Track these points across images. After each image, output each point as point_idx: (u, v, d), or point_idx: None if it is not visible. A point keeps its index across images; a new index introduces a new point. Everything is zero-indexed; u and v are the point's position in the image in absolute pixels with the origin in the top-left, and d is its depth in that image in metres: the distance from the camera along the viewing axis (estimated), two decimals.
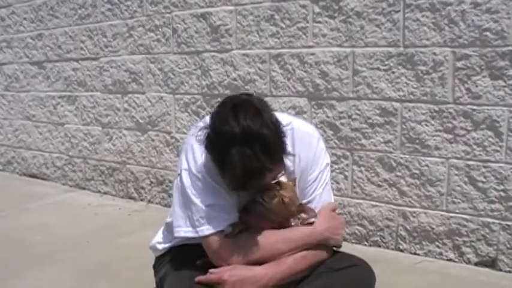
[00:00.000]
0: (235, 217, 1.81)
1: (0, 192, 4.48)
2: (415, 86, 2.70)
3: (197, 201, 1.78)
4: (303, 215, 1.81)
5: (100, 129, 4.27)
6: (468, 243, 2.64)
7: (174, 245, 1.98)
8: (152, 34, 3.78)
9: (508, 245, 2.54)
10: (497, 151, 2.52)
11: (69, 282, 2.57)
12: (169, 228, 1.97)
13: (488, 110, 2.52)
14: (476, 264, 2.63)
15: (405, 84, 2.73)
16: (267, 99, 1.98)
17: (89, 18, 4.20)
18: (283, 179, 1.84)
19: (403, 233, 2.83)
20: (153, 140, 3.90)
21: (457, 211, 2.66)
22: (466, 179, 2.62)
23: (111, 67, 4.09)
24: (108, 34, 4.07)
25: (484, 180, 2.57)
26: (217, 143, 1.61)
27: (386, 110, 2.80)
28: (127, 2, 3.90)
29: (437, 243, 2.73)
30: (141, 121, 3.96)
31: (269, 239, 1.78)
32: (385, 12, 2.74)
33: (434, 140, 2.68)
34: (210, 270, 1.75)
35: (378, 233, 2.92)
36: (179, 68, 3.65)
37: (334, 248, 1.94)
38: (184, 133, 3.64)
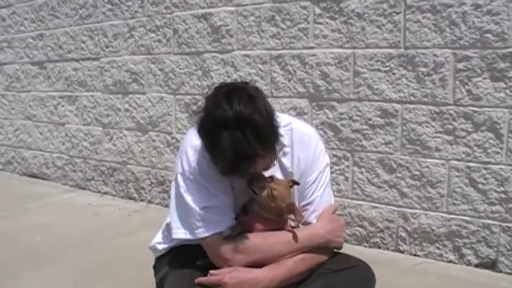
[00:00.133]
0: (232, 219, 1.81)
1: (1, 192, 4.48)
2: (415, 87, 2.70)
3: (192, 204, 1.78)
4: (292, 216, 1.80)
5: (100, 130, 4.27)
6: (468, 244, 2.64)
7: (174, 246, 1.98)
8: (153, 34, 3.78)
9: (508, 247, 2.54)
10: (498, 153, 2.52)
11: (69, 282, 2.57)
12: (169, 228, 1.96)
13: (488, 111, 2.52)
14: (476, 265, 2.63)
15: (406, 86, 2.73)
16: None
17: (90, 18, 4.20)
18: (279, 177, 1.83)
19: (404, 235, 2.83)
20: (153, 141, 3.90)
21: (457, 213, 2.66)
22: (466, 181, 2.62)
23: (112, 67, 4.09)
24: (109, 34, 4.07)
25: (484, 181, 2.57)
26: (209, 126, 1.62)
27: (386, 111, 2.80)
28: (128, 2, 3.90)
29: (437, 244, 2.73)
30: (141, 121, 3.96)
31: (269, 240, 1.77)
32: (386, 14, 2.74)
33: (434, 141, 2.68)
34: (211, 272, 1.75)
35: (378, 234, 2.92)
36: (180, 69, 3.65)
37: (335, 250, 1.93)
38: (185, 134, 3.63)
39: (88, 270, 2.69)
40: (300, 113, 3.08)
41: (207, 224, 1.76)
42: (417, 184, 2.76)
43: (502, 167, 2.52)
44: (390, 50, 2.76)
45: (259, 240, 1.76)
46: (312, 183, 1.88)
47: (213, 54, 3.45)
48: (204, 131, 1.64)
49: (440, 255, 2.73)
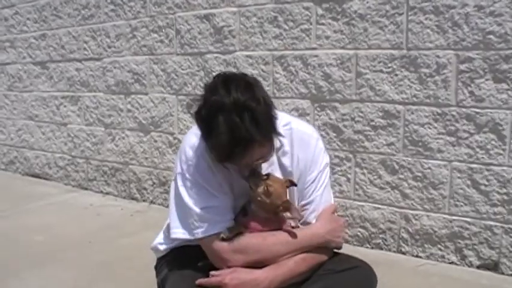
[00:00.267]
0: (231, 219, 1.80)
1: (3, 191, 4.49)
2: (418, 88, 2.70)
3: (191, 204, 1.78)
4: (288, 214, 1.79)
5: (103, 130, 4.28)
6: (470, 246, 2.64)
7: (176, 246, 1.97)
8: (155, 35, 3.78)
9: (511, 248, 2.53)
10: (500, 154, 2.52)
11: (70, 282, 2.57)
12: (169, 229, 1.97)
13: (491, 113, 2.52)
14: (478, 267, 2.63)
15: (408, 87, 2.72)
16: None
17: (92, 18, 4.21)
18: (278, 176, 1.83)
19: (405, 236, 2.83)
20: (155, 141, 3.90)
21: (459, 214, 2.65)
22: (468, 182, 2.61)
23: (114, 67, 4.09)
24: (111, 35, 4.08)
25: (486, 183, 2.56)
26: (206, 111, 1.62)
27: (389, 112, 2.80)
28: (130, 2, 3.90)
29: (439, 246, 2.73)
30: (143, 122, 3.96)
31: (268, 241, 1.77)
32: (389, 15, 2.74)
33: (437, 142, 2.68)
34: (211, 273, 1.75)
35: (380, 236, 2.91)
36: (182, 69, 3.65)
37: (335, 250, 1.93)
38: None
39: (89, 271, 2.69)
40: (302, 114, 3.08)
41: (206, 225, 1.76)
42: (419, 185, 2.76)
43: (505, 168, 2.51)
44: (393, 51, 2.76)
45: (258, 241, 1.76)
46: (312, 182, 1.87)
47: (216, 54, 3.46)
48: (201, 116, 1.64)
49: (442, 256, 2.73)
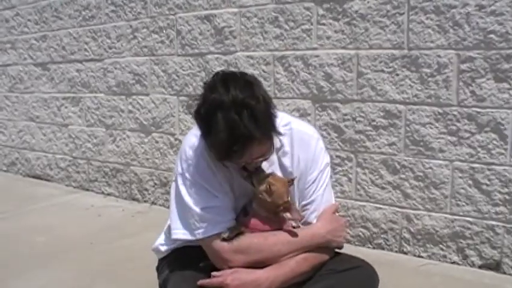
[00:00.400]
0: (232, 219, 1.80)
1: (4, 193, 4.49)
2: (419, 88, 2.70)
3: (192, 204, 1.78)
4: (288, 214, 1.78)
5: (104, 131, 4.28)
6: (472, 246, 2.63)
7: (177, 247, 1.97)
8: (156, 36, 3.78)
9: None
10: (502, 154, 2.51)
11: (72, 283, 2.57)
12: (170, 230, 1.97)
13: (492, 112, 2.51)
14: (480, 267, 2.62)
15: (409, 87, 2.72)
16: None
17: (93, 19, 4.21)
18: (279, 175, 1.83)
19: (407, 236, 2.82)
20: (156, 142, 3.90)
21: (461, 214, 2.65)
22: (470, 182, 2.61)
23: (115, 68, 4.10)
24: (112, 35, 4.08)
25: (488, 183, 2.56)
26: (205, 109, 1.62)
27: (390, 112, 2.80)
28: (131, 3, 3.91)
29: (441, 245, 2.73)
30: (145, 123, 3.96)
31: (269, 240, 1.77)
32: (390, 15, 2.74)
33: (438, 142, 2.67)
34: (213, 273, 1.75)
35: (382, 236, 2.91)
36: (183, 70, 3.65)
37: (336, 250, 1.93)
38: None
39: (91, 271, 2.69)
40: (303, 114, 3.08)
41: (207, 225, 1.76)
42: (421, 185, 2.75)
43: (506, 168, 2.51)
44: (394, 51, 2.75)
45: (259, 241, 1.76)
46: (312, 182, 1.87)
47: (216, 55, 3.46)
48: (200, 115, 1.65)
49: (444, 256, 2.72)
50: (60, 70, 4.55)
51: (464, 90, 2.58)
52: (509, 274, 2.54)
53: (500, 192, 2.53)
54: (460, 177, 2.63)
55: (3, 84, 5.21)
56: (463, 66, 2.56)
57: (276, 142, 1.78)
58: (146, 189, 4.01)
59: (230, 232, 1.76)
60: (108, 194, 4.30)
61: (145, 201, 4.04)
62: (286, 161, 1.86)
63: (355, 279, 1.81)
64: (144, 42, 3.86)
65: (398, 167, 2.81)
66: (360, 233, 2.98)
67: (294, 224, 1.82)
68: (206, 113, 1.62)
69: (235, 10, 3.32)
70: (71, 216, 3.73)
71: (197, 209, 1.76)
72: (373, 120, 2.86)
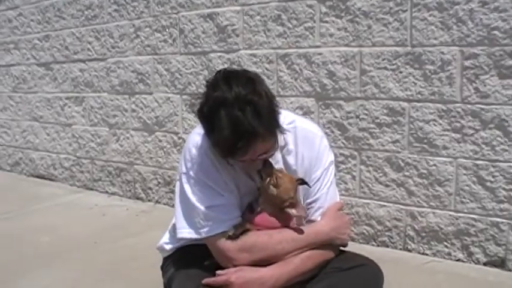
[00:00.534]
0: (237, 217, 1.80)
1: (8, 193, 4.50)
2: (422, 85, 2.69)
3: (196, 203, 1.78)
4: (294, 211, 1.78)
5: (107, 130, 4.28)
6: (477, 243, 2.63)
7: (182, 246, 1.97)
8: (159, 35, 3.78)
9: None
10: (506, 150, 2.51)
11: (76, 282, 2.57)
12: (175, 228, 1.97)
13: (496, 109, 2.51)
14: (485, 264, 2.62)
15: (413, 84, 2.72)
16: None
17: (96, 19, 4.21)
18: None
19: (411, 233, 2.82)
20: (160, 141, 3.90)
21: (465, 211, 2.64)
22: (474, 179, 2.60)
23: (118, 68, 4.10)
24: (115, 35, 4.08)
25: (492, 179, 2.55)
26: (208, 108, 1.62)
27: (394, 109, 2.79)
28: (133, 2, 3.91)
29: (445, 243, 2.72)
30: (148, 122, 3.96)
31: (273, 238, 1.76)
32: (393, 12, 2.73)
33: (442, 139, 2.67)
34: (217, 272, 1.75)
35: (386, 233, 2.91)
36: (186, 69, 3.65)
37: (341, 248, 1.93)
38: None
39: (95, 271, 2.70)
40: (306, 112, 3.07)
41: (211, 223, 1.76)
42: (425, 182, 2.75)
43: (511, 164, 2.50)
44: (397, 48, 2.75)
45: (264, 239, 1.76)
46: (317, 180, 1.87)
47: (219, 53, 3.45)
48: (203, 113, 1.65)
49: (449, 253, 2.72)
50: (64, 70, 4.56)
51: (468, 87, 2.57)
52: None
53: (504, 189, 2.53)
54: (464, 174, 2.62)
55: (6, 85, 5.23)
56: (467, 63, 2.56)
57: (280, 140, 1.78)
58: (150, 188, 4.02)
59: (235, 229, 1.76)
60: (112, 193, 4.30)
61: (149, 200, 4.04)
62: (291, 159, 1.86)
63: (360, 277, 1.81)
64: (147, 41, 3.86)
65: (402, 164, 2.81)
66: (364, 231, 2.98)
67: (296, 221, 1.82)
68: (209, 111, 1.61)
69: (238, 8, 3.32)
70: (75, 216, 3.74)
71: (202, 208, 1.76)
72: (377, 118, 2.85)
